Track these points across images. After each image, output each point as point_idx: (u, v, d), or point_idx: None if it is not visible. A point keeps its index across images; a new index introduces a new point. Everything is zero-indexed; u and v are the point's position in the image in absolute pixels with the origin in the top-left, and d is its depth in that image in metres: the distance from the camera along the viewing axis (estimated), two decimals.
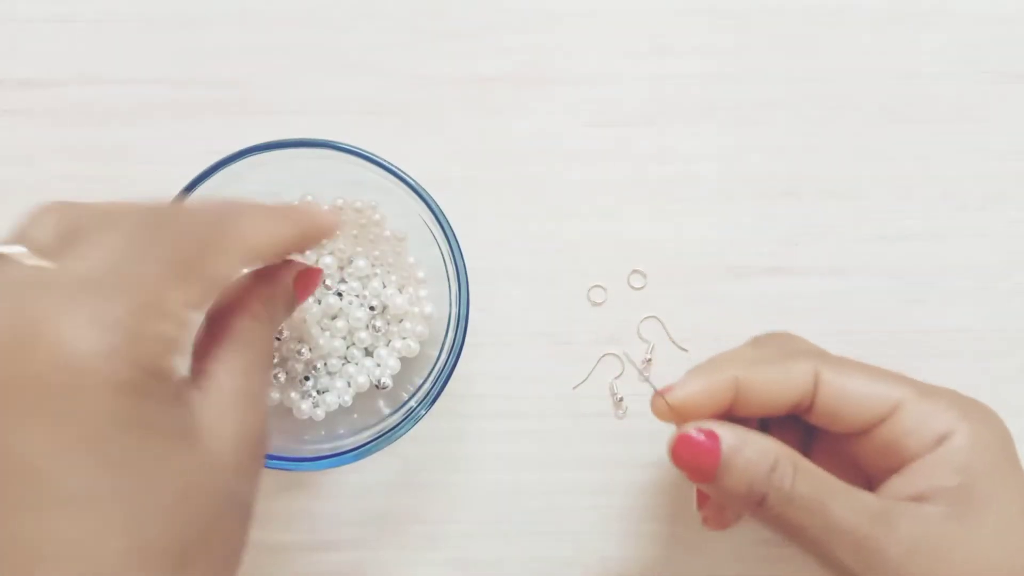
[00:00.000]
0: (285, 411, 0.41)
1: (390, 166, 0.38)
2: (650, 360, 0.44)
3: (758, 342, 0.37)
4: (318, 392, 0.41)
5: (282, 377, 0.41)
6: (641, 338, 0.44)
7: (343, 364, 0.41)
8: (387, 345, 0.41)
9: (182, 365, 0.25)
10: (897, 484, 0.30)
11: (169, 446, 0.22)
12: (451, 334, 0.38)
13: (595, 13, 0.46)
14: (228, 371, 0.26)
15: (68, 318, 0.20)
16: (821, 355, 0.33)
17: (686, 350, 0.44)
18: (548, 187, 0.45)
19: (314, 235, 0.30)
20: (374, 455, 0.37)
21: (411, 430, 0.37)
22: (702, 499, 0.36)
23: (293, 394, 0.41)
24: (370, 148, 0.38)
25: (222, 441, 0.24)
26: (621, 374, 0.44)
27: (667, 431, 0.32)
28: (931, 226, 0.45)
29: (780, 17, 0.46)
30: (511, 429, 0.43)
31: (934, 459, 0.30)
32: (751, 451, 0.30)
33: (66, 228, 0.23)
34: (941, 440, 0.30)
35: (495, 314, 0.44)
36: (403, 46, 0.46)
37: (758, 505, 0.30)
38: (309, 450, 0.38)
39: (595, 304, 0.44)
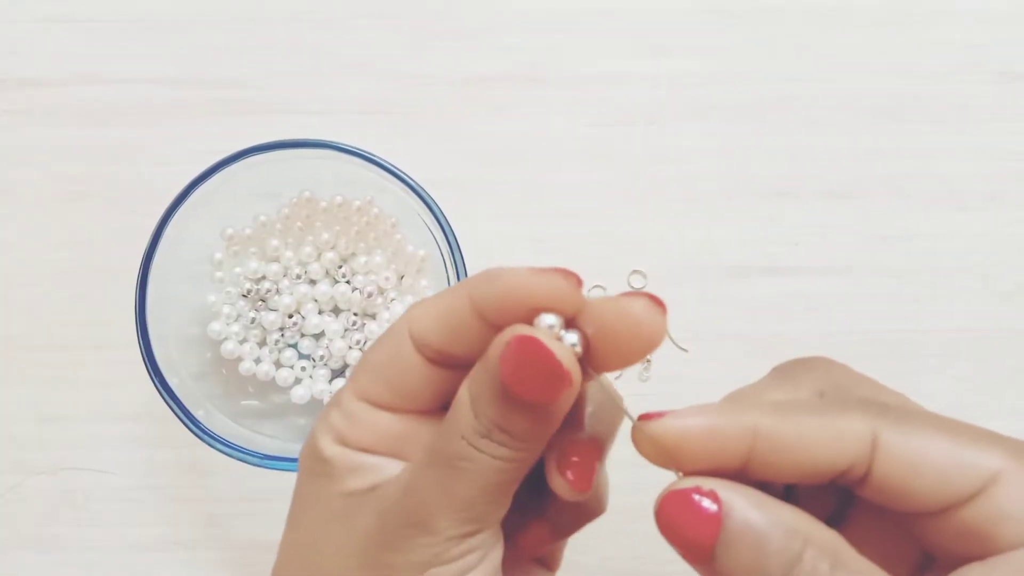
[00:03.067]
0: (292, 407, 0.41)
1: (389, 166, 0.38)
2: (650, 361, 0.44)
3: (784, 375, 0.27)
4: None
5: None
6: None
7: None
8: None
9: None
10: (977, 574, 0.22)
11: None
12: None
13: (595, 13, 0.46)
14: (406, 468, 0.25)
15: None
16: (881, 407, 0.24)
17: (686, 350, 0.44)
18: (548, 187, 0.45)
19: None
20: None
21: None
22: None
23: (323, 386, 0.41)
24: (370, 148, 0.38)
25: None
26: (621, 374, 0.44)
27: None
28: (931, 226, 0.45)
29: (780, 17, 0.46)
30: None
31: None
32: (768, 528, 0.21)
33: None
34: None
35: None
36: (403, 46, 0.46)
37: None
38: None
39: None
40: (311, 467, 0.25)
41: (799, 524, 0.21)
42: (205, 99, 0.45)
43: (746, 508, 0.21)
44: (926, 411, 0.24)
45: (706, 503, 0.21)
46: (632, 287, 0.45)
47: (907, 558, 0.23)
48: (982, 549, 0.22)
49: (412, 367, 0.24)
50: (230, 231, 0.41)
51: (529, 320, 0.22)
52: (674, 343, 0.44)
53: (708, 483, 0.22)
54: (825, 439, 0.22)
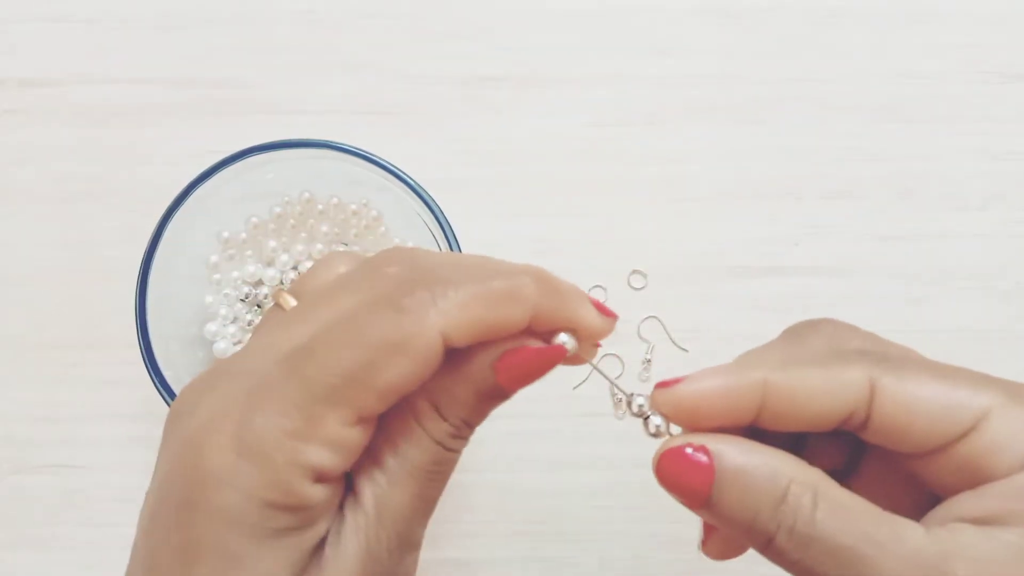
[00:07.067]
0: None
1: (390, 166, 0.38)
2: (650, 360, 0.44)
3: (795, 335, 0.28)
4: None
5: None
6: (641, 338, 0.44)
7: None
8: None
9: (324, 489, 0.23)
10: (965, 502, 0.24)
11: None
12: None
13: (595, 13, 0.46)
14: (373, 494, 0.23)
15: (214, 438, 0.21)
16: (879, 356, 0.26)
17: (686, 350, 0.44)
18: (548, 187, 0.45)
19: (550, 323, 0.24)
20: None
21: None
22: (709, 527, 0.29)
23: None
24: (370, 148, 0.38)
25: None
26: (621, 374, 0.44)
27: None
28: (931, 226, 0.45)
29: (780, 17, 0.46)
30: (511, 429, 0.43)
31: (1021, 480, 0.23)
32: (755, 471, 0.23)
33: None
34: None
35: None
36: (403, 46, 0.46)
37: (765, 546, 0.24)
38: None
39: None
40: (262, 526, 0.21)
41: (783, 465, 0.24)
42: (205, 99, 0.45)
43: (735, 455, 0.24)
44: (925, 359, 0.26)
45: (699, 456, 0.24)
46: (632, 287, 0.45)
47: (917, 504, 0.24)
48: (977, 480, 0.24)
49: (431, 374, 0.22)
50: (226, 234, 0.41)
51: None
52: (674, 343, 0.44)
53: (698, 438, 0.24)
54: (828, 388, 0.24)
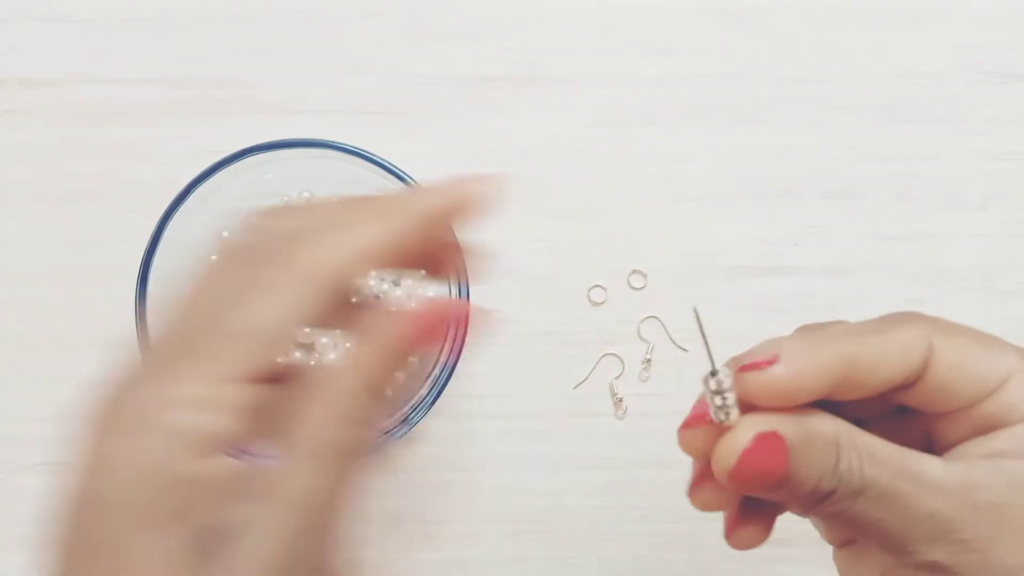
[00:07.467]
0: None
1: (390, 166, 0.38)
2: (650, 360, 0.44)
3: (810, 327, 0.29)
4: None
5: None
6: (641, 338, 0.44)
7: None
8: None
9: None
10: (975, 444, 0.25)
11: None
12: (451, 335, 0.38)
13: (595, 13, 0.46)
14: (284, 476, 0.21)
15: (94, 427, 0.21)
16: (926, 316, 0.26)
17: (686, 350, 0.44)
18: (548, 187, 0.45)
19: (433, 221, 0.24)
20: (373, 455, 0.37)
21: (411, 430, 0.37)
22: (699, 481, 0.28)
23: None
24: (370, 148, 0.38)
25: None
26: (621, 374, 0.44)
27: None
28: (931, 226, 0.45)
29: (780, 17, 0.46)
30: (511, 429, 0.43)
31: None
32: (816, 442, 0.24)
33: None
34: None
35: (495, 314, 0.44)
36: (403, 46, 0.46)
37: (818, 503, 0.24)
38: None
39: (595, 304, 0.44)
40: (148, 510, 0.19)
41: (830, 427, 0.24)
42: (205, 99, 0.45)
43: (797, 429, 0.24)
44: (956, 323, 0.27)
45: (774, 441, 0.23)
46: (632, 287, 0.45)
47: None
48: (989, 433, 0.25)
49: (319, 322, 0.21)
50: (226, 234, 0.41)
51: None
52: (674, 343, 0.44)
53: (766, 425, 0.24)
54: (895, 353, 0.25)
